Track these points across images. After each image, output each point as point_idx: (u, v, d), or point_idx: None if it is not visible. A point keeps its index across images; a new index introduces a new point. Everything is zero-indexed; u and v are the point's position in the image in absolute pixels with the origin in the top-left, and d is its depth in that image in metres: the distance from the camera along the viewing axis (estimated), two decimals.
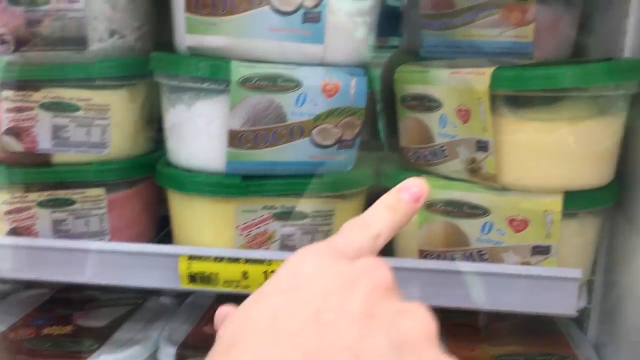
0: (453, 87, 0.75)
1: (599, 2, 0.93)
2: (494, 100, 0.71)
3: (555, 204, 0.73)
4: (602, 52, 0.90)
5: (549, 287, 0.75)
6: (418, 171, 0.84)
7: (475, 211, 0.77)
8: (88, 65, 0.83)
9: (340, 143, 0.82)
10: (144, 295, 1.08)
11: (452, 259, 0.80)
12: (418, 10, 0.97)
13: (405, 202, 0.45)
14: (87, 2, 0.81)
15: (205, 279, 0.81)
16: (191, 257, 0.81)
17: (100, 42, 0.84)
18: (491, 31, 0.92)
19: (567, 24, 0.94)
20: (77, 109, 0.84)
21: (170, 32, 0.84)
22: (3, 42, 0.80)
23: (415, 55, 0.98)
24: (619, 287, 0.85)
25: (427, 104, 0.79)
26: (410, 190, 0.46)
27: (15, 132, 0.83)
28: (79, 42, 0.82)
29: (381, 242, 0.42)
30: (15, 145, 0.84)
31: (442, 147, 0.80)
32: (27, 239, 0.85)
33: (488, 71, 0.71)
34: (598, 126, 0.72)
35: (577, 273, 0.75)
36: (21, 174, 0.84)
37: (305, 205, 0.83)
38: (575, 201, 0.74)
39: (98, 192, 0.87)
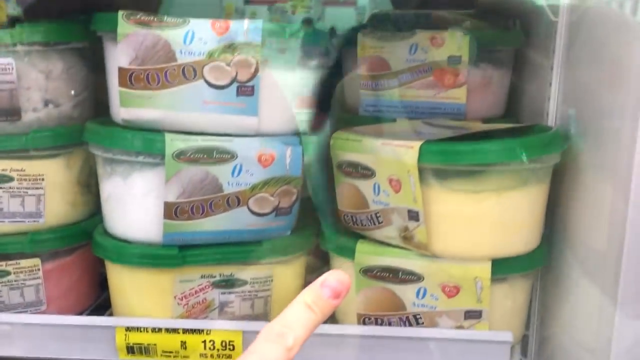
0: (384, 158, 0.77)
1: (526, 66, 0.97)
2: (423, 172, 0.74)
3: (484, 270, 0.75)
4: (531, 113, 0.94)
5: (481, 350, 0.78)
6: (355, 235, 0.85)
7: (410, 277, 0.79)
8: (21, 136, 0.82)
9: (277, 211, 0.83)
10: None
11: (390, 323, 0.82)
12: (357, 71, 1.00)
13: (325, 300, 0.46)
14: (20, 73, 0.81)
15: (144, 350, 0.80)
16: (128, 329, 0.80)
17: (34, 111, 0.83)
18: (426, 92, 0.96)
19: (498, 86, 0.98)
20: (10, 179, 0.83)
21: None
22: None
23: (355, 113, 1.01)
24: (552, 342, 0.88)
25: (362, 171, 0.81)
26: (331, 286, 0.47)
27: None
28: (12, 112, 0.82)
29: (295, 352, 0.43)
30: None
31: (376, 213, 0.81)
32: None
33: (416, 145, 0.73)
34: (522, 196, 0.75)
35: (508, 336, 0.77)
36: None
37: (244, 272, 0.83)
38: (504, 267, 0.77)
39: (33, 262, 0.86)
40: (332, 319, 0.88)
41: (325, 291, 0.47)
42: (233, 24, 0.75)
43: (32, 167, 0.84)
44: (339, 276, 0.48)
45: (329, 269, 0.88)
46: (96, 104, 0.93)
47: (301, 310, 0.45)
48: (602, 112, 0.70)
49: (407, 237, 0.78)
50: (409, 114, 0.97)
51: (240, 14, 1.74)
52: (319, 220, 0.93)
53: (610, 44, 0.69)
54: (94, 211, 0.93)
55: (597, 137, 0.72)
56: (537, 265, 0.81)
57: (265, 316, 0.86)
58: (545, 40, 0.86)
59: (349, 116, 1.01)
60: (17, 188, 0.83)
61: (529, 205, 0.76)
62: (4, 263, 0.85)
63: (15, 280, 0.85)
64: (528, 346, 0.92)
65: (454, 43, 0.92)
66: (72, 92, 0.87)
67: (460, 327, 0.79)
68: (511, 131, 0.82)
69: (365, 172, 0.81)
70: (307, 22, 1.81)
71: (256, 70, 0.77)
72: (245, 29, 0.75)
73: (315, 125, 0.89)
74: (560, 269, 0.83)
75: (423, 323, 0.80)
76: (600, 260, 0.68)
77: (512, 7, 1.00)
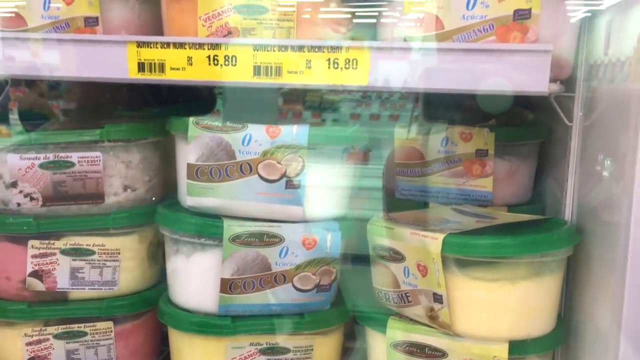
0: (413, 245, 0.88)
1: (548, 160, 1.06)
2: (445, 260, 0.83)
3: (502, 351, 0.84)
4: (554, 201, 1.02)
5: None
6: (388, 310, 0.95)
7: (435, 353, 0.88)
8: (104, 216, 0.97)
9: (318, 287, 0.94)
10: None
11: None
12: (392, 159, 1.11)
13: None
14: (105, 164, 0.96)
15: None
16: None
17: (115, 196, 0.98)
18: (456, 180, 1.06)
19: (523, 175, 1.07)
20: (92, 253, 0.97)
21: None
22: (32, 199, 0.95)
23: (392, 196, 1.12)
24: None
25: (394, 255, 0.92)
26: None
27: (38, 274, 0.96)
28: (97, 197, 0.97)
29: None
30: (38, 285, 0.97)
31: (406, 293, 0.91)
32: None
33: (440, 237, 0.83)
34: (535, 285, 0.83)
35: None
36: (42, 310, 0.97)
37: (288, 341, 0.94)
38: (521, 348, 0.84)
39: (107, 325, 0.99)
40: None
41: None
42: (284, 129, 0.88)
43: (111, 242, 0.98)
44: None
45: (363, 342, 0.98)
46: (165, 184, 1.08)
47: None
48: (609, 206, 0.78)
49: (432, 317, 0.87)
50: (440, 198, 1.07)
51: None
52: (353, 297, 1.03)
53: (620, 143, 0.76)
54: (160, 280, 1.06)
55: (603, 229, 0.80)
56: (553, 347, 0.89)
57: None
58: (564, 137, 0.95)
59: (386, 197, 1.12)
60: (97, 260, 0.97)
61: (542, 293, 0.84)
62: (82, 325, 0.98)
63: (91, 341, 0.98)
64: None
65: (481, 138, 1.02)
66: (147, 178, 1.02)
67: None
68: (530, 223, 0.91)
69: (397, 256, 0.91)
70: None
71: (302, 167, 0.89)
72: (294, 133, 0.88)
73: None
74: (577, 349, 0.90)
75: None
76: (605, 341, 0.75)
77: (535, 102, 1.10)
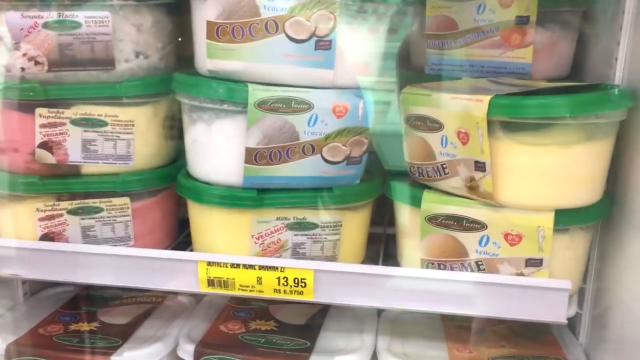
0: (453, 111, 0.81)
1: (594, 27, 0.98)
2: (491, 124, 0.77)
3: (547, 220, 0.79)
4: (597, 74, 0.96)
5: (541, 297, 0.82)
6: (420, 185, 0.90)
7: (474, 225, 0.83)
8: (115, 84, 0.89)
9: (348, 159, 0.88)
10: (163, 293, 1.15)
11: (452, 268, 0.87)
12: (423, 30, 1.03)
13: None
14: (115, 26, 0.87)
15: (223, 283, 0.88)
16: (210, 263, 0.87)
17: (126, 62, 0.90)
18: (492, 52, 0.98)
19: (564, 46, 1.00)
20: (104, 124, 0.90)
21: (190, 47, 0.90)
22: (37, 63, 0.87)
23: (420, 72, 1.04)
24: (608, 295, 0.91)
25: (430, 124, 0.85)
26: None
27: (48, 145, 0.90)
28: (107, 62, 0.89)
29: None
30: (48, 158, 0.90)
31: (443, 165, 0.86)
32: (59, 244, 0.92)
33: (486, 98, 0.77)
34: (586, 150, 0.77)
35: (567, 284, 0.81)
36: (54, 184, 0.91)
37: (315, 216, 0.89)
38: (566, 218, 0.80)
39: (123, 201, 0.94)
40: (398, 264, 0.93)
41: None
42: None
43: (124, 113, 0.91)
44: None
45: (392, 217, 0.94)
46: (177, 57, 1.00)
47: None
48: None
49: (472, 187, 0.82)
50: (474, 72, 1.00)
51: None
52: (383, 172, 0.98)
53: None
54: (176, 158, 1.00)
55: None
56: (598, 218, 0.84)
57: (333, 258, 0.92)
58: (614, 1, 0.87)
59: (414, 74, 1.05)
60: (111, 132, 0.91)
61: (593, 159, 0.79)
62: (97, 200, 0.93)
63: (107, 217, 0.94)
64: (584, 298, 0.95)
65: (522, 3, 0.94)
66: (160, 45, 0.93)
67: (520, 274, 0.83)
68: (576, 89, 0.84)
69: (434, 125, 0.85)
70: None
71: (334, 26, 0.81)
72: None
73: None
74: (619, 223, 0.86)
75: (484, 269, 0.85)
76: None
77: None
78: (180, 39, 1.00)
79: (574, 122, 0.76)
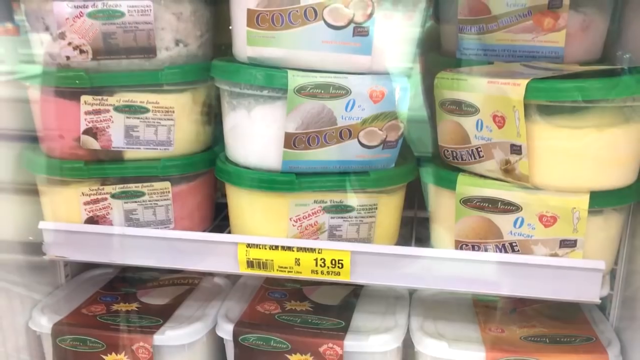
0: (489, 95, 0.83)
1: (628, 10, 0.99)
2: (527, 108, 0.79)
3: (582, 202, 0.81)
4: (629, 58, 0.96)
5: (575, 277, 0.83)
6: (454, 168, 0.92)
7: (509, 207, 0.85)
8: (157, 72, 0.92)
9: (384, 144, 0.90)
10: (199, 275, 1.18)
11: (486, 249, 0.88)
12: (455, 15, 1.04)
13: None
14: (156, 15, 0.90)
15: (262, 265, 0.91)
16: (249, 245, 0.90)
17: (167, 50, 0.92)
18: (524, 36, 0.99)
19: (597, 29, 1.00)
20: (146, 110, 0.93)
21: (225, 36, 0.92)
22: (82, 51, 0.89)
23: (452, 57, 1.05)
24: (639, 276, 0.93)
25: (465, 108, 0.87)
26: None
27: (93, 132, 0.93)
28: (149, 50, 0.91)
29: None
30: (93, 144, 0.93)
31: (478, 148, 0.87)
32: (103, 226, 0.95)
33: (523, 82, 0.78)
34: (623, 133, 0.79)
35: (601, 264, 0.82)
36: (98, 169, 0.94)
37: (352, 199, 0.92)
38: (601, 200, 0.81)
39: (164, 185, 0.96)
40: (432, 244, 0.95)
41: None
42: None
43: (165, 100, 0.93)
44: None
45: (422, 201, 0.96)
46: (214, 45, 1.02)
47: None
48: None
49: (508, 170, 0.84)
50: (507, 57, 1.01)
51: None
52: (413, 157, 0.99)
53: None
54: (214, 144, 1.03)
55: None
56: (633, 199, 0.86)
57: (369, 240, 0.94)
58: None
59: (445, 59, 1.06)
60: (152, 119, 0.93)
61: (629, 141, 0.80)
62: (139, 184, 0.96)
63: (149, 201, 0.96)
64: (615, 279, 0.97)
65: None
66: (198, 33, 0.96)
67: (554, 255, 0.85)
68: (611, 73, 0.85)
69: (469, 109, 0.87)
70: None
71: (372, 13, 0.83)
72: None
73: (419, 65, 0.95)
74: None
75: (519, 250, 0.86)
76: None
77: None
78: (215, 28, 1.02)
79: (610, 105, 0.77)
